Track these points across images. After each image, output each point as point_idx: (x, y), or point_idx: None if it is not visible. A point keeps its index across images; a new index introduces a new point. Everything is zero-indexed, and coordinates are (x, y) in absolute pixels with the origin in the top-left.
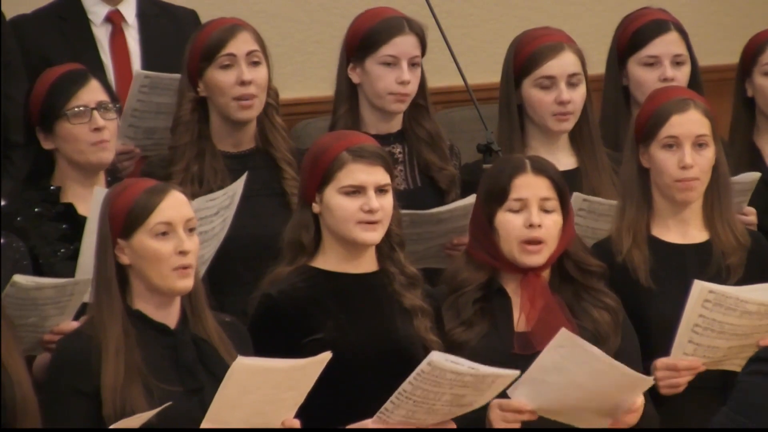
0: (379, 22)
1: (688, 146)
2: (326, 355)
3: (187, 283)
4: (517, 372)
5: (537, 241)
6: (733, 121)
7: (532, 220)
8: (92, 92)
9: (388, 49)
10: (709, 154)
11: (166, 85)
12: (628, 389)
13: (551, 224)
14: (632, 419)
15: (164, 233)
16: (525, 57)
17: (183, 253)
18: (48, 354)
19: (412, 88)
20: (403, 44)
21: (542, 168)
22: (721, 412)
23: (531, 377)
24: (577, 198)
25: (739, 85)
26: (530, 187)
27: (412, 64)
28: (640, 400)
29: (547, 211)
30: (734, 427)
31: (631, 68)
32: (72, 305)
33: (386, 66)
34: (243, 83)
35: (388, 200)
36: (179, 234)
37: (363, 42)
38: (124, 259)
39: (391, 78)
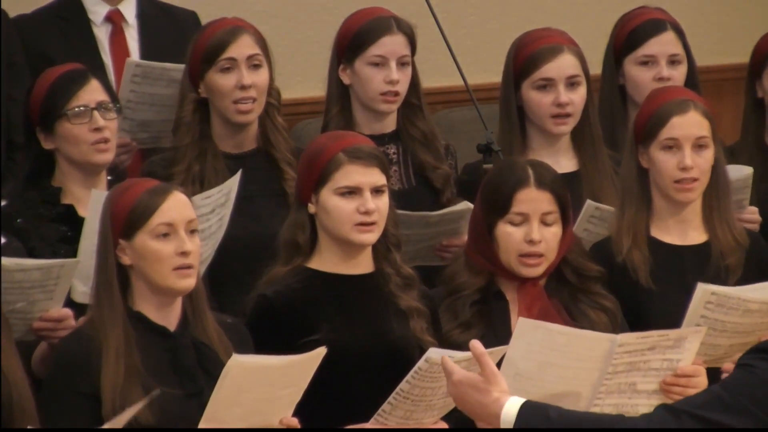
0: (367, 22)
1: (688, 148)
2: (321, 350)
3: (188, 282)
4: (506, 347)
5: (536, 255)
6: (744, 121)
7: (532, 237)
8: (92, 92)
9: (375, 49)
10: (708, 155)
11: (158, 75)
12: (598, 355)
13: (551, 237)
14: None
15: (165, 234)
16: (524, 59)
17: (184, 254)
18: (45, 345)
19: (402, 88)
20: (391, 44)
21: (545, 181)
22: (717, 388)
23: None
24: (589, 206)
25: (749, 85)
26: (532, 202)
27: (402, 64)
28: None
29: (547, 225)
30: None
31: (628, 67)
32: (60, 290)
33: (375, 66)
34: (243, 87)
35: (384, 201)
36: (180, 235)
37: (352, 43)
38: (126, 260)
39: (379, 78)
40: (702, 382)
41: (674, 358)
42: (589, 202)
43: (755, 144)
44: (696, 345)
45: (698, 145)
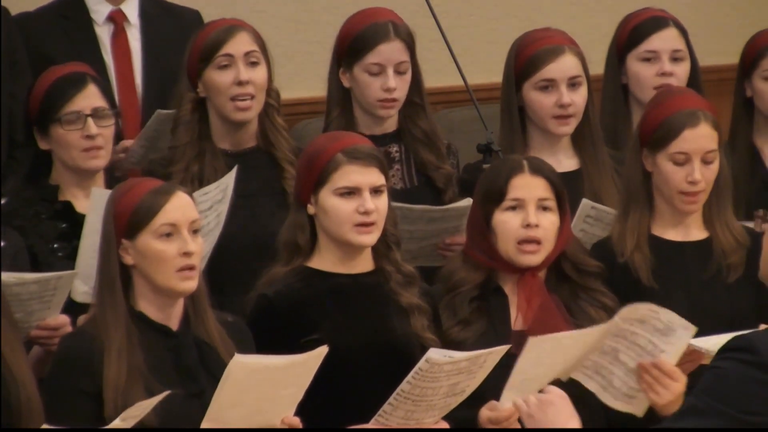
0: (365, 28)
1: (697, 162)
2: (323, 350)
3: (191, 284)
4: (507, 346)
5: (534, 241)
6: (733, 121)
7: (529, 220)
8: (88, 98)
9: (373, 57)
10: (715, 167)
11: None
12: (593, 346)
13: (548, 224)
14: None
15: (169, 234)
16: (525, 60)
17: (187, 254)
18: (39, 348)
19: (399, 94)
20: (389, 51)
21: (539, 168)
22: (690, 397)
23: (515, 382)
24: (585, 205)
25: (738, 85)
26: (527, 187)
27: (399, 70)
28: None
29: (544, 211)
30: (708, 411)
31: (630, 64)
32: (57, 300)
33: (372, 73)
34: (240, 83)
35: (383, 201)
36: (184, 235)
37: (350, 48)
38: (128, 260)
39: (377, 85)
40: (678, 388)
41: (659, 345)
42: (585, 201)
43: (744, 144)
44: (684, 345)
45: (707, 158)
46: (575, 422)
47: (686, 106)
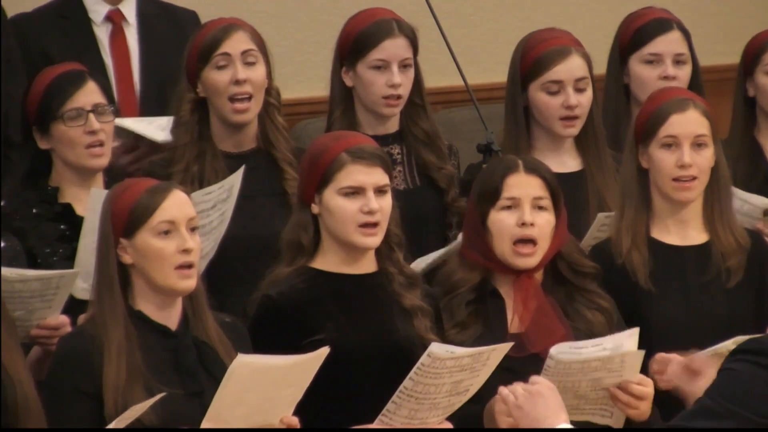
0: (368, 26)
1: (686, 146)
2: (324, 350)
3: (189, 283)
4: (510, 344)
5: (529, 240)
6: (734, 119)
7: (524, 219)
8: (88, 94)
9: (377, 54)
10: (707, 154)
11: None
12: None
13: (544, 223)
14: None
15: (167, 232)
16: (532, 60)
17: (186, 251)
18: (39, 348)
19: (404, 91)
20: (393, 47)
21: (534, 167)
22: (703, 398)
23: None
24: (599, 218)
25: (740, 84)
26: (522, 186)
27: (404, 66)
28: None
29: (539, 210)
30: (720, 412)
31: (633, 66)
32: (59, 299)
33: (377, 70)
34: (238, 82)
35: (387, 201)
36: (182, 233)
37: (353, 46)
38: (127, 259)
39: (381, 82)
40: (650, 393)
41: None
42: (600, 215)
43: (743, 141)
44: (636, 356)
45: (697, 144)
46: (564, 414)
47: (676, 96)
